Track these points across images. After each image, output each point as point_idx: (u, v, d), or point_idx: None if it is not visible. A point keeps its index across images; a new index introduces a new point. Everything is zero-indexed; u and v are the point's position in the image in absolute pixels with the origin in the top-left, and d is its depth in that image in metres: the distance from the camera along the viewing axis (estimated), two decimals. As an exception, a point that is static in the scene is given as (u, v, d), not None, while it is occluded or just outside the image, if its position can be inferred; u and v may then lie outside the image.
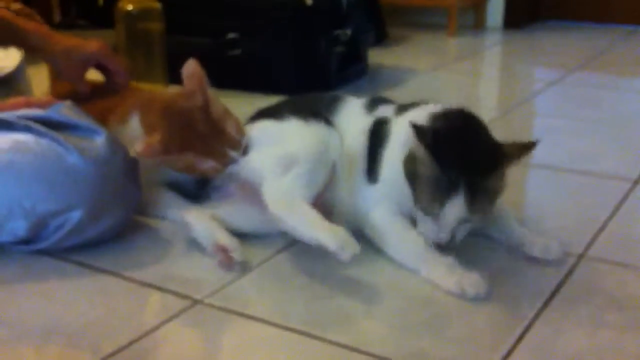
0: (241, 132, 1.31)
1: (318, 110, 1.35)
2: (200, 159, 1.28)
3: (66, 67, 1.55)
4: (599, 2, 3.67)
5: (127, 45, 2.17)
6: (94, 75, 1.60)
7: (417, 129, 1.15)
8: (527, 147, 1.19)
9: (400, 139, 1.25)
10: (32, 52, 1.58)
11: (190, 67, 1.28)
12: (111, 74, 1.58)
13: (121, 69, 1.56)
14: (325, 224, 1.15)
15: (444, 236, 1.18)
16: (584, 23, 3.71)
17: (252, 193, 1.28)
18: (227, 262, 1.22)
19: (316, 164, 1.26)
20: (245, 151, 1.30)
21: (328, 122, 1.32)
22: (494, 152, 1.18)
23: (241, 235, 1.28)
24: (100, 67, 1.59)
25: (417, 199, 1.19)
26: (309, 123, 1.30)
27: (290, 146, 1.27)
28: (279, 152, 1.26)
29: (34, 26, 1.56)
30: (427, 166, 1.15)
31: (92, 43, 1.55)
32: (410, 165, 1.20)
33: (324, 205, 1.27)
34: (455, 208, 1.15)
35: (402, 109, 1.33)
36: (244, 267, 1.22)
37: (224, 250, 1.22)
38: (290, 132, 1.30)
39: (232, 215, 1.32)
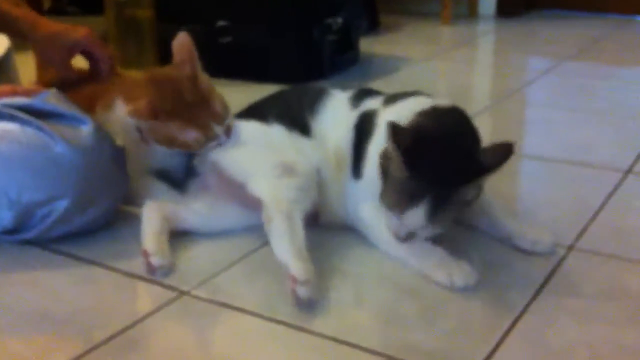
0: (226, 109, 1.31)
1: (302, 109, 1.33)
2: (184, 128, 1.27)
3: (52, 52, 1.53)
4: (595, -9, 3.66)
5: (117, 32, 2.16)
6: (80, 62, 1.58)
7: (394, 130, 1.09)
8: (507, 153, 1.11)
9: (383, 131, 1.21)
10: (19, 37, 1.57)
11: (181, 39, 1.31)
12: (96, 61, 1.56)
13: (106, 56, 1.54)
14: (303, 254, 1.12)
15: (401, 234, 1.15)
16: (578, 12, 3.70)
17: (230, 188, 1.28)
18: (146, 266, 1.19)
19: (310, 182, 1.25)
20: (228, 132, 1.30)
21: (307, 129, 1.31)
22: (470, 164, 1.12)
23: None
24: (86, 54, 1.57)
25: (382, 196, 1.16)
26: (291, 133, 1.29)
27: (285, 156, 1.26)
28: (274, 158, 1.25)
29: (21, 12, 1.55)
30: (397, 168, 1.10)
31: (78, 30, 1.54)
32: (384, 161, 1.16)
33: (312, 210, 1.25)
34: (415, 217, 1.11)
35: (390, 100, 1.31)
36: (165, 274, 1.18)
37: (145, 254, 1.19)
38: (278, 139, 1.29)
39: (207, 210, 1.31)
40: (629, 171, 1.61)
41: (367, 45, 2.76)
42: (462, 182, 1.11)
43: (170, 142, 1.30)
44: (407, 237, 1.15)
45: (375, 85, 1.51)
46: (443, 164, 1.11)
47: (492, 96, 2.34)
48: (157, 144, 1.32)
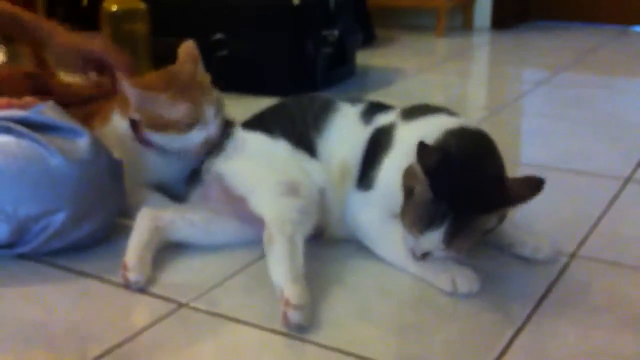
0: (221, 102, 1.34)
1: (307, 124, 1.31)
2: (174, 102, 1.28)
3: (68, 61, 1.55)
4: (588, 3, 3.67)
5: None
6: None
7: (423, 150, 1.07)
8: (536, 188, 1.08)
9: (406, 146, 1.16)
10: (37, 45, 1.59)
11: (187, 45, 1.37)
12: (114, 72, 1.56)
13: (124, 64, 1.55)
14: (299, 280, 1.10)
15: (417, 253, 1.13)
16: (572, 23, 3.71)
17: (230, 201, 1.27)
18: (123, 279, 1.17)
19: (313, 204, 1.23)
20: (227, 133, 1.31)
21: (313, 145, 1.29)
22: (496, 192, 1.09)
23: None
24: (101, 68, 1.58)
25: (402, 213, 1.13)
26: (297, 152, 1.28)
27: (289, 175, 1.24)
28: (279, 176, 1.24)
29: (40, 20, 1.59)
30: (421, 188, 1.08)
31: (96, 40, 1.57)
32: (408, 179, 1.12)
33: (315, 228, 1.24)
34: (432, 240, 1.09)
35: (409, 114, 1.27)
36: (140, 289, 1.16)
37: (124, 267, 1.18)
38: (283, 157, 1.28)
39: (204, 223, 1.29)
40: (629, 179, 1.60)
41: (363, 58, 2.76)
42: (486, 210, 1.09)
43: (160, 123, 1.30)
44: (423, 256, 1.13)
45: (370, 97, 1.51)
46: (468, 189, 1.08)
47: (488, 107, 2.34)
48: (146, 126, 1.33)
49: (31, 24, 1.55)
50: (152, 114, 1.31)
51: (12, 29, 1.57)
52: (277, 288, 1.09)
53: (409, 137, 1.18)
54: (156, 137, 1.34)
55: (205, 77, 1.36)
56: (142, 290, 1.16)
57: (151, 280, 1.18)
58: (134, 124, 1.37)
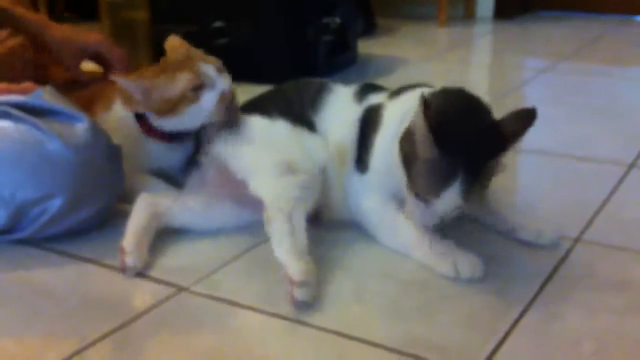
0: (221, 64, 1.32)
1: (303, 105, 1.31)
2: (172, 77, 1.28)
3: (62, 54, 1.54)
4: (591, -8, 3.65)
5: (113, 35, 2.14)
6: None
7: (426, 106, 1.05)
8: (528, 119, 1.09)
9: (393, 123, 1.19)
10: (32, 40, 1.57)
11: (172, 39, 1.36)
12: (111, 64, 1.55)
13: (120, 57, 1.54)
14: (303, 255, 1.09)
15: (433, 222, 1.13)
16: (575, 13, 3.69)
17: (228, 184, 1.26)
18: (120, 263, 1.16)
19: (313, 180, 1.22)
20: (234, 107, 1.31)
21: (312, 125, 1.29)
22: (496, 136, 1.09)
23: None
24: (98, 59, 1.57)
25: (411, 185, 1.12)
26: (297, 130, 1.27)
27: (288, 154, 1.23)
28: (277, 156, 1.22)
29: (33, 15, 1.58)
30: (425, 148, 1.07)
31: (91, 34, 1.56)
32: (407, 144, 1.11)
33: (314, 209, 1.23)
34: (452, 198, 1.08)
35: (396, 93, 1.28)
36: (136, 274, 1.15)
37: (121, 251, 1.16)
38: (282, 137, 1.27)
39: (201, 207, 1.28)
40: (632, 165, 1.59)
41: (364, 46, 2.74)
42: (492, 156, 1.10)
43: (169, 105, 1.29)
44: (437, 225, 1.12)
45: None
46: (471, 138, 1.08)
47: (491, 95, 2.32)
48: (159, 115, 1.31)
49: (23, 18, 1.54)
50: (158, 100, 1.29)
51: (7, 25, 1.55)
52: (283, 268, 1.08)
53: (395, 113, 1.20)
54: (174, 123, 1.32)
55: (197, 51, 1.34)
56: (140, 274, 1.14)
57: (149, 264, 1.17)
58: (139, 117, 1.36)
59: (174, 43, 1.35)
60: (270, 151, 1.24)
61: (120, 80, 1.29)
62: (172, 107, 1.29)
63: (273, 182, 1.20)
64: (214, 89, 1.28)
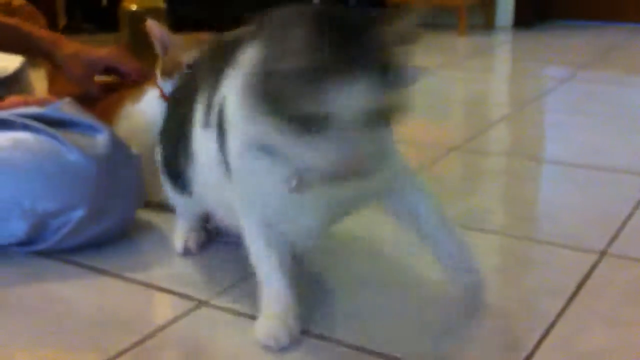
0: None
1: None
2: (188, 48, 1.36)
3: (74, 69, 1.53)
4: (609, 2, 3.63)
5: (132, 45, 2.15)
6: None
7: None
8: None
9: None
10: (43, 57, 1.59)
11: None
12: (125, 75, 1.55)
13: (134, 68, 1.54)
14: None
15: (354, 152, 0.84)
16: (593, 22, 3.67)
17: None
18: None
19: None
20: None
21: None
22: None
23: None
24: (112, 72, 1.57)
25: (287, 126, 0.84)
26: None
27: None
28: None
29: (47, 33, 1.58)
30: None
31: (104, 49, 1.56)
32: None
33: None
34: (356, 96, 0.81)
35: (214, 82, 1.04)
36: (159, 288, 1.14)
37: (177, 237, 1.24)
38: None
39: None
40: (657, 176, 1.57)
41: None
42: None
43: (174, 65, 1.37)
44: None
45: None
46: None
47: (512, 104, 2.31)
48: (166, 76, 1.39)
49: (36, 37, 1.54)
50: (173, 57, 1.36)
51: (17, 43, 1.56)
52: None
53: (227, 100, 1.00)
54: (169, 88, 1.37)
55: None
56: (159, 288, 1.14)
57: (173, 277, 1.17)
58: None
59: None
60: None
61: (154, 27, 1.38)
62: (173, 68, 1.36)
63: None
64: None
